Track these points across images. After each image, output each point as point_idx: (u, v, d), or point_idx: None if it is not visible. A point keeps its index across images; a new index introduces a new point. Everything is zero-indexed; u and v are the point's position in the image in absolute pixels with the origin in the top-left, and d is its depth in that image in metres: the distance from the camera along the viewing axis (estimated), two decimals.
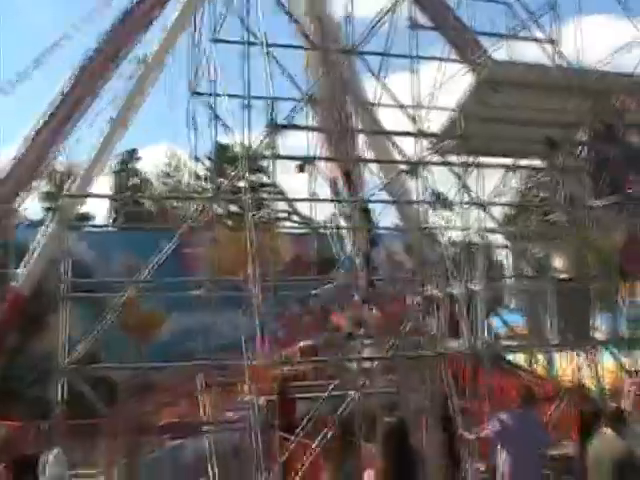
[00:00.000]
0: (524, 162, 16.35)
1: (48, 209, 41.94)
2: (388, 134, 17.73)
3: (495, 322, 15.99)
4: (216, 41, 16.85)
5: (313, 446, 13.14)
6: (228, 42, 17.14)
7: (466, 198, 13.76)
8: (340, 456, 10.55)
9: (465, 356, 13.17)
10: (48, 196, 44.02)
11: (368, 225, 17.97)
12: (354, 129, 18.96)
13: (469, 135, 13.79)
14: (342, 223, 18.49)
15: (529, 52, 16.48)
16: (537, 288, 13.99)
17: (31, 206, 45.57)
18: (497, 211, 17.78)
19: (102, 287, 22.46)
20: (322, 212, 20.02)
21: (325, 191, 18.87)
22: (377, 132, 19.15)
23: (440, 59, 17.03)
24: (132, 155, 53.06)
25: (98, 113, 28.60)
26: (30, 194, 30.19)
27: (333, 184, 19.12)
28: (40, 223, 30.91)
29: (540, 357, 19.16)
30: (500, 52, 16.49)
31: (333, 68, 17.04)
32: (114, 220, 48.76)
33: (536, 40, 16.64)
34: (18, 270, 28.62)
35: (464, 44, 18.16)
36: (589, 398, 14.72)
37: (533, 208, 17.20)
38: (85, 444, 18.25)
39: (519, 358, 21.20)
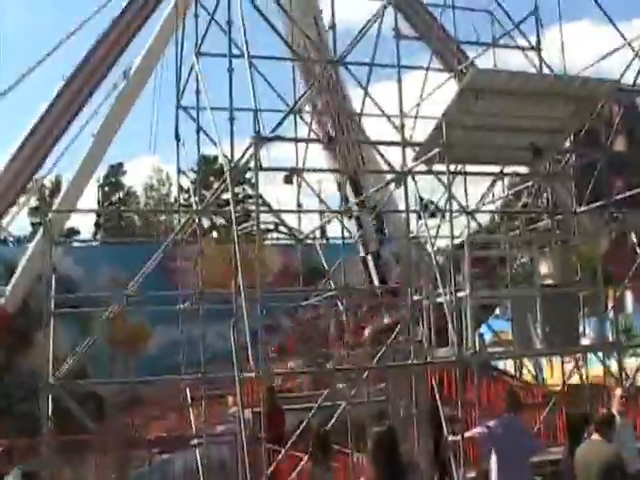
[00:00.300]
0: (510, 169, 16.43)
1: (35, 225, 41.93)
2: (374, 144, 17.76)
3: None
4: (200, 54, 16.89)
5: (304, 459, 13.13)
6: (212, 55, 17.20)
7: (453, 206, 13.78)
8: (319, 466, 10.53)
9: (453, 364, 13.17)
10: (35, 211, 43.96)
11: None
12: (342, 139, 19.03)
13: (453, 143, 13.83)
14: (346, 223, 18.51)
15: (513, 60, 16.62)
16: (523, 294, 14.03)
17: (20, 221, 45.46)
18: (484, 218, 17.95)
19: (88, 302, 22.42)
20: (310, 223, 20.11)
21: (312, 202, 18.92)
22: (363, 142, 19.23)
23: (425, 68, 17.17)
24: (118, 169, 53.07)
25: (82, 127, 28.64)
26: (17, 209, 30.10)
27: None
28: (29, 240, 30.89)
29: (528, 363, 19.25)
30: (484, 60, 16.67)
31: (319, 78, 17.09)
32: (95, 234, 48.74)
33: (519, 47, 16.76)
34: (3, 287, 28.54)
35: (448, 53, 18.30)
36: (577, 403, 14.79)
37: (518, 214, 17.25)
38: (75, 460, 18.18)
39: (507, 365, 21.30)
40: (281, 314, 23.28)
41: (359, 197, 20.26)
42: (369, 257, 22.41)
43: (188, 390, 17.89)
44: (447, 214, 13.81)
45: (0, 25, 73.53)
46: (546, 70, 16.23)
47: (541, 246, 14.72)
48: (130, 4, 28.84)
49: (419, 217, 15.36)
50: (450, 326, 12.87)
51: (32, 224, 45.22)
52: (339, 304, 17.31)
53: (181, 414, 18.14)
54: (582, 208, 15.43)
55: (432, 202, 16.89)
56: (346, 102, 21.10)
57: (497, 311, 18.75)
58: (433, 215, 16.26)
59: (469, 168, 15.61)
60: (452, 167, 14.53)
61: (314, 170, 18.52)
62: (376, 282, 21.79)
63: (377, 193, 18.19)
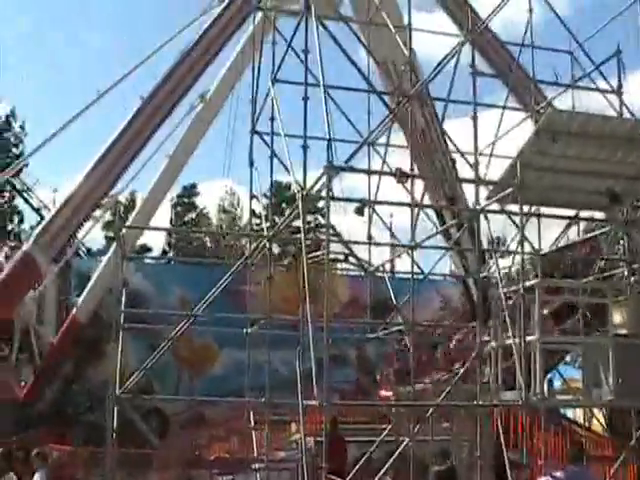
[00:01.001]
0: (585, 214, 16.03)
1: (109, 239, 42.46)
2: (448, 180, 17.58)
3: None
4: (276, 81, 16.87)
5: None
6: (287, 82, 17.18)
7: (526, 248, 13.47)
8: None
9: (520, 408, 12.83)
10: (109, 226, 44.51)
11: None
12: (415, 174, 18.78)
13: (527, 184, 13.53)
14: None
15: (593, 103, 16.25)
16: (595, 343, 13.61)
17: (94, 236, 46.09)
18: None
19: (157, 318, 22.54)
20: (379, 255, 19.93)
21: (382, 234, 18.74)
22: (437, 178, 19.01)
23: (501, 107, 16.89)
24: (191, 190, 53.50)
25: (159, 146, 28.92)
26: (92, 223, 30.44)
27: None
28: (103, 252, 31.25)
29: (598, 414, 18.69)
30: (563, 102, 16.32)
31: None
32: (165, 252, 49.08)
33: (599, 90, 16.38)
34: (77, 298, 28.92)
35: (526, 92, 17.94)
36: None
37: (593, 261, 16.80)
38: (136, 474, 18.21)
39: (577, 414, 20.74)
40: (348, 345, 23.03)
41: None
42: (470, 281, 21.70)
43: (252, 414, 17.75)
44: (518, 255, 13.52)
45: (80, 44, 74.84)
46: (627, 114, 15.82)
47: (616, 294, 14.28)
48: (210, 27, 29.10)
49: (490, 256, 15.06)
50: (518, 369, 12.55)
51: (106, 238, 45.81)
52: (406, 339, 17.01)
53: (244, 437, 18.01)
54: None
55: (504, 243, 16.55)
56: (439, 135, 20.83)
57: (568, 358, 18.28)
58: (506, 256, 15.91)
59: (543, 210, 15.26)
60: (525, 208, 14.25)
61: (385, 202, 18.32)
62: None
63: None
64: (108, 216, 39.59)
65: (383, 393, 21.42)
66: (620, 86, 16.11)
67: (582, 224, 17.46)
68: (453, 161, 19.05)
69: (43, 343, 29.44)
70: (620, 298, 14.35)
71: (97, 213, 30.81)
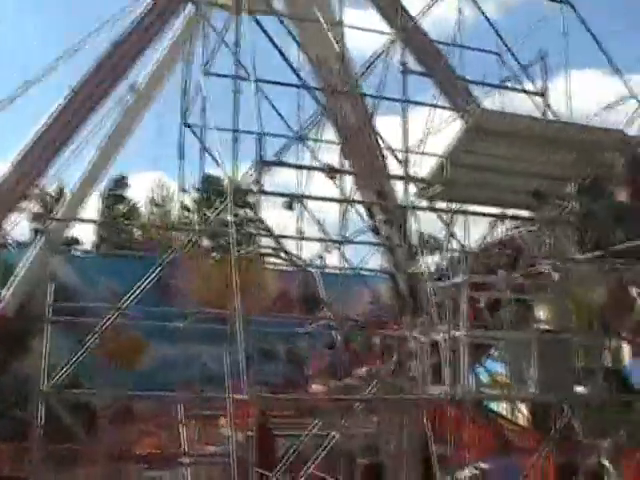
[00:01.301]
0: (511, 212, 16.25)
1: (36, 231, 41.58)
2: (377, 176, 17.64)
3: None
4: (208, 74, 16.71)
5: None
6: (219, 75, 17.04)
7: (453, 244, 13.63)
8: None
9: (446, 402, 12.96)
10: (36, 217, 43.61)
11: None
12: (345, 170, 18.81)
13: (455, 182, 13.68)
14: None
15: (518, 103, 16.47)
16: (520, 338, 13.82)
17: (20, 227, 45.16)
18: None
19: (85, 312, 22.17)
20: (309, 249, 19.90)
21: (313, 229, 18.74)
22: (366, 174, 19.06)
23: (431, 105, 17.01)
24: (121, 182, 52.75)
25: (88, 138, 28.38)
26: (19, 215, 29.79)
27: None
28: (28, 244, 30.57)
29: (522, 407, 19.00)
30: (490, 102, 16.51)
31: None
32: (98, 246, 48.34)
33: (525, 91, 16.63)
34: (2, 291, 28.25)
35: (455, 91, 18.13)
36: (570, 451, 14.55)
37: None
38: (63, 470, 17.91)
39: (502, 407, 21.03)
40: (277, 340, 23.03)
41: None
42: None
43: (181, 408, 17.60)
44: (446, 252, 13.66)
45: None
46: (551, 116, 16.08)
47: (540, 291, 14.54)
48: (143, 18, 28.68)
49: (419, 253, 15.17)
50: (445, 364, 12.68)
51: (34, 231, 44.85)
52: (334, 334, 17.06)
53: (173, 432, 17.86)
54: (581, 256, 15.26)
55: (433, 239, 16.72)
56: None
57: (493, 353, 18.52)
58: (434, 252, 16.07)
59: (471, 208, 15.42)
60: (454, 206, 14.39)
61: (315, 198, 18.33)
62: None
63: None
64: (36, 208, 38.88)
65: (314, 387, 21.46)
66: (545, 88, 16.35)
67: (508, 222, 17.71)
68: (383, 158, 19.13)
69: None
70: (544, 295, 14.63)
71: (24, 204, 30.17)
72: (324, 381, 19.58)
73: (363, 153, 19.84)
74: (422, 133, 16.53)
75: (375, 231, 19.78)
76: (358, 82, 17.13)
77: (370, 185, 19.78)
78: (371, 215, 20.25)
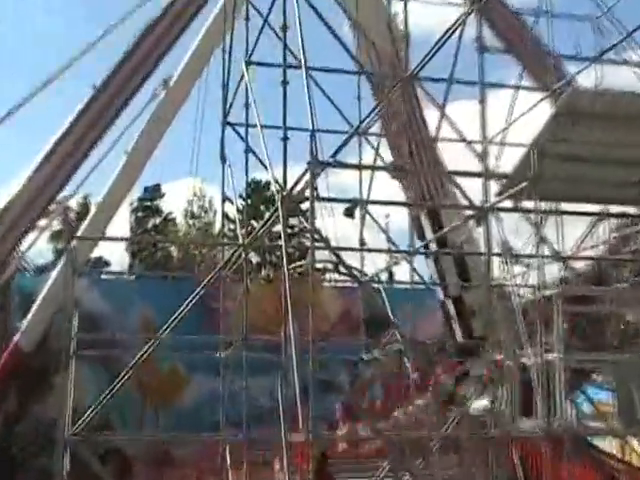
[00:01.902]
0: (615, 209, 16.06)
1: (57, 251, 42.30)
2: (452, 174, 17.56)
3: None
4: (250, 63, 16.86)
5: None
6: (264, 65, 17.17)
7: (544, 251, 13.50)
8: None
9: (540, 439, 12.83)
10: (57, 236, 44.33)
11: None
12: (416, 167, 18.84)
13: (545, 176, 13.56)
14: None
15: (620, 79, 16.29)
16: (629, 361, 13.63)
17: (40, 248, 45.94)
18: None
19: (116, 343, 22.51)
20: (372, 262, 19.95)
21: (377, 238, 18.79)
22: (437, 172, 19.02)
23: (513, 87, 16.93)
24: (154, 192, 53.38)
25: (114, 142, 28.76)
26: (37, 234, 30.26)
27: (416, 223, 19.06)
28: (50, 268, 31.03)
29: (635, 443, 18.63)
30: (585, 78, 16.36)
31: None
32: (131, 266, 48.94)
33: (628, 63, 16.45)
34: (20, 322, 28.70)
35: (542, 69, 17.97)
36: None
37: (625, 264, 16.81)
38: None
39: (609, 443, 20.65)
40: (338, 368, 23.07)
41: (437, 234, 19.96)
42: (449, 302, 21.83)
43: (228, 451, 17.74)
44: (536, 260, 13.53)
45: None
46: None
47: None
48: (171, 5, 29.01)
49: (503, 262, 15.05)
50: (538, 393, 12.57)
51: (55, 251, 45.60)
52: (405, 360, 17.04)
53: (220, 478, 18.00)
54: None
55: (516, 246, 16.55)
56: (422, 125, 20.90)
57: (597, 378, 18.29)
58: (521, 261, 15.91)
59: (564, 207, 15.29)
60: (543, 205, 14.27)
61: (380, 202, 18.36)
62: (458, 333, 21.38)
63: (455, 232, 17.94)
64: (56, 225, 39.49)
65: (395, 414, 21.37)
66: None
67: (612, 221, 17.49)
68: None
69: None
70: None
71: (43, 222, 30.64)
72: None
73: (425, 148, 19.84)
74: (504, 120, 16.50)
75: (439, 241, 19.80)
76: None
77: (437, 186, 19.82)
78: (435, 221, 20.22)
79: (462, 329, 21.77)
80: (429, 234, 20.24)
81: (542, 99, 16.01)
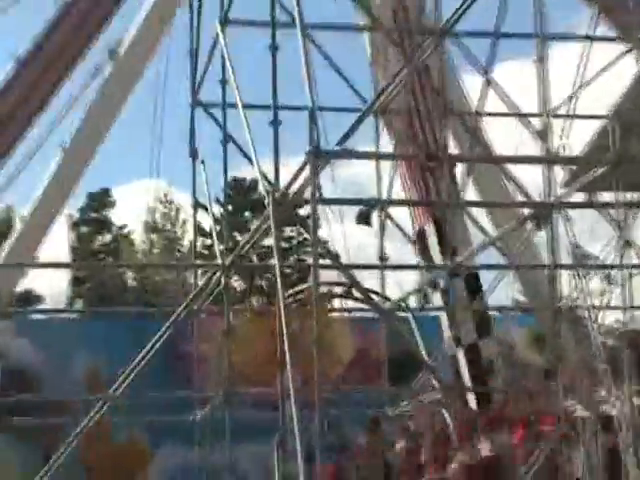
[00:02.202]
0: None
1: None
2: (499, 160, 17.59)
3: None
4: (227, 22, 16.87)
5: None
6: (244, 23, 17.25)
7: (632, 259, 13.55)
8: None
9: None
10: None
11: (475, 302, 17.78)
12: (448, 155, 18.84)
13: (632, 159, 13.58)
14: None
15: None
16: None
17: None
18: None
19: (52, 408, 22.56)
20: (398, 284, 19.98)
21: (402, 250, 18.81)
22: (482, 158, 19.07)
23: (583, 37, 16.97)
24: (102, 199, 53.61)
25: (45, 137, 28.85)
26: None
27: (419, 238, 19.03)
28: None
29: None
30: None
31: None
32: (72, 301, 49.19)
33: None
34: None
35: (623, 11, 17.99)
36: None
37: None
38: None
39: None
40: (354, 427, 23.05)
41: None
42: (460, 354, 21.41)
43: None
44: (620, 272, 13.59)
45: None
46: None
47: None
48: None
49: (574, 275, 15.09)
50: (626, 451, 12.63)
51: None
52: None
53: None
54: None
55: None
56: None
57: None
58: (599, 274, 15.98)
59: None
60: (629, 196, 14.32)
61: (405, 202, 18.38)
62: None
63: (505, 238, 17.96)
64: None
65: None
66: None
67: None
68: None
69: None
70: None
71: None
72: None
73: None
74: (570, 86, 16.54)
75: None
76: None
77: None
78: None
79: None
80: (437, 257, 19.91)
81: (624, 53, 16.09)
